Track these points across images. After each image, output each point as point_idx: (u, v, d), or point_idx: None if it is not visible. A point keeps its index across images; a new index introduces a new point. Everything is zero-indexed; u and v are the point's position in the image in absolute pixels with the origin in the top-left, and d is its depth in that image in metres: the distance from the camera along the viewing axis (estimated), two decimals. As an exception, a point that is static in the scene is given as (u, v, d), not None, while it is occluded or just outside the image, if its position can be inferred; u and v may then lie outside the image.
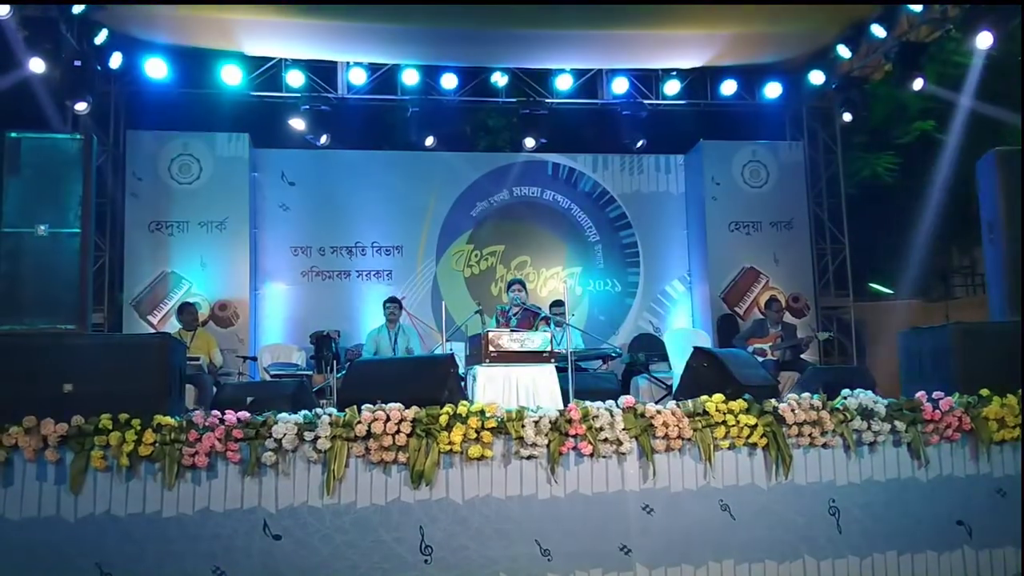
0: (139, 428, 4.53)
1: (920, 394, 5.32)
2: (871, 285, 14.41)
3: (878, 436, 5.15)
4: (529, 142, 11.05)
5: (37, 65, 8.44)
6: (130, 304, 10.16)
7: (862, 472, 5.13)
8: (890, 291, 14.57)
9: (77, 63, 8.93)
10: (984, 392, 5.33)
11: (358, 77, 10.70)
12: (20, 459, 4.49)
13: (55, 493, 4.48)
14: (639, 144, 11.15)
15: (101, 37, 9.22)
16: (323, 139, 10.59)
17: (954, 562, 5.13)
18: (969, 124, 10.52)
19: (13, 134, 5.10)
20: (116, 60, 9.61)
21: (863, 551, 5.04)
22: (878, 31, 9.69)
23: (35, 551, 4.40)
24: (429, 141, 10.86)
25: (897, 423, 5.18)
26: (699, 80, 11.36)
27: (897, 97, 12.34)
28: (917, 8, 9.29)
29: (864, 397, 5.26)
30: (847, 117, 10.78)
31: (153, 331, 9.72)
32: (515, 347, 6.79)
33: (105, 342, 5.33)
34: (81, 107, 9.16)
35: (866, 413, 5.18)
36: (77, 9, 8.71)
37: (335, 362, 8.13)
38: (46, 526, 4.45)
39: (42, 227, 5.06)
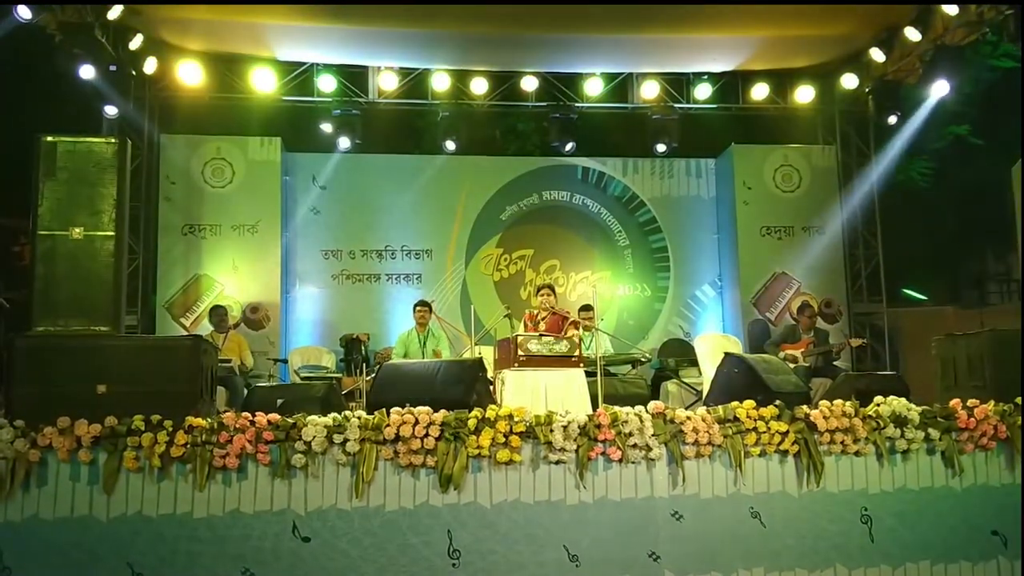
0: (171, 429, 4.57)
1: (954, 402, 5.26)
2: (905, 291, 14.24)
3: (911, 444, 5.09)
4: (560, 146, 11.02)
5: (87, 72, 8.57)
6: (163, 306, 10.26)
7: (895, 480, 5.08)
8: (924, 297, 14.41)
9: (112, 68, 9.04)
10: (1020, 400, 5.26)
11: (389, 82, 10.75)
12: (54, 459, 4.54)
13: (88, 493, 4.53)
14: (663, 148, 11.07)
15: (136, 42, 9.34)
16: (345, 143, 10.65)
17: (988, 572, 5.06)
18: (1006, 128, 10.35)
19: (48, 138, 5.16)
20: (151, 65, 9.72)
21: (896, 560, 4.98)
22: (912, 34, 9.57)
23: (68, 550, 4.45)
24: (452, 146, 10.89)
25: (931, 431, 5.12)
26: (730, 84, 11.29)
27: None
28: (952, 10, 9.14)
29: (897, 404, 5.19)
30: (893, 119, 10.56)
31: (185, 333, 9.81)
32: (544, 351, 6.76)
33: (138, 344, 5.36)
34: (114, 111, 9.28)
35: (899, 420, 5.12)
36: (113, 15, 8.81)
37: (365, 365, 8.17)
38: (79, 526, 4.49)
39: (77, 230, 5.11)
